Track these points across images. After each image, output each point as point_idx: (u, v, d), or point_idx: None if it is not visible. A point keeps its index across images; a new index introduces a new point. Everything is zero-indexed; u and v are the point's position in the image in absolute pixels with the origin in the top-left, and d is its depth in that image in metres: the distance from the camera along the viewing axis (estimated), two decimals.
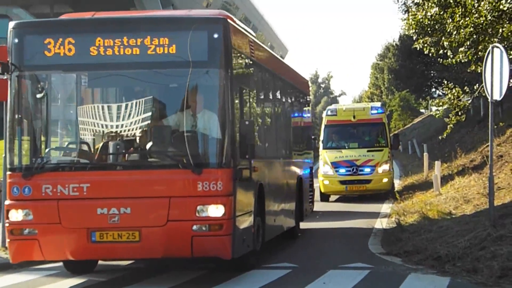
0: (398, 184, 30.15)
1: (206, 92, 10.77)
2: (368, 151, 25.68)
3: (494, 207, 14.30)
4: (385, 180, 25.29)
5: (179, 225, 10.28)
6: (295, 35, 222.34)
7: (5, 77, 10.72)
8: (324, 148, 26.30)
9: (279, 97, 15.64)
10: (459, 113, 23.57)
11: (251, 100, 12.52)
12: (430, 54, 22.97)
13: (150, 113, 11.19)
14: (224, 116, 10.46)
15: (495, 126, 26.00)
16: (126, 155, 10.86)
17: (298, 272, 12.26)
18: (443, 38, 20.91)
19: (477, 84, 22.58)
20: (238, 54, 11.38)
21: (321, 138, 26.60)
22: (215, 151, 10.48)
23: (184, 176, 10.35)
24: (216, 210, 10.32)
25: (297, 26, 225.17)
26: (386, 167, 25.35)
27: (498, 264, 11.28)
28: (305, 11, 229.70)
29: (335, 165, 25.40)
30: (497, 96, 14.03)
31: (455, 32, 20.11)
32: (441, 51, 21.74)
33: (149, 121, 11.14)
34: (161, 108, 11.36)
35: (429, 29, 21.45)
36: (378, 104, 29.88)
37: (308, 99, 19.71)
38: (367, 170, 25.17)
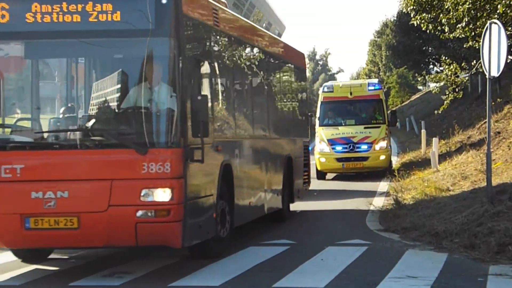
0: (396, 161, 30.18)
1: (153, 64, 9.71)
2: (365, 128, 25.22)
3: (492, 183, 14.33)
4: (382, 157, 24.88)
5: (121, 211, 9.35)
6: (292, 12, 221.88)
7: None
8: (320, 125, 25.79)
9: (257, 70, 14.40)
10: (456, 90, 23.58)
11: (215, 74, 11.43)
12: (428, 31, 22.93)
13: (91, 87, 10.43)
14: (174, 90, 9.54)
15: (493, 103, 25.93)
16: (66, 133, 9.84)
17: (296, 248, 12.30)
18: (441, 15, 20.86)
19: (475, 61, 22.54)
20: (195, 23, 10.51)
21: (317, 115, 26.08)
22: (163, 129, 9.50)
23: (127, 156, 9.39)
24: (163, 194, 9.38)
25: (295, 2, 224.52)
26: (383, 144, 24.97)
27: (495, 240, 11.32)
28: None
29: (332, 142, 24.96)
30: (494, 73, 14.00)
31: (453, 9, 20.05)
32: (439, 28, 21.69)
33: (90, 96, 10.31)
34: (104, 82, 10.30)
35: (427, 6, 21.40)
36: (375, 80, 29.07)
37: (303, 74, 18.76)
38: (364, 147, 24.76)
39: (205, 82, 10.93)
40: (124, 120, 9.73)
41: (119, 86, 10.05)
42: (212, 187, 10.84)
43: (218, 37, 11.87)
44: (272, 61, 15.69)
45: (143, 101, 9.57)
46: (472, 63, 23.85)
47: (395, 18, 54.20)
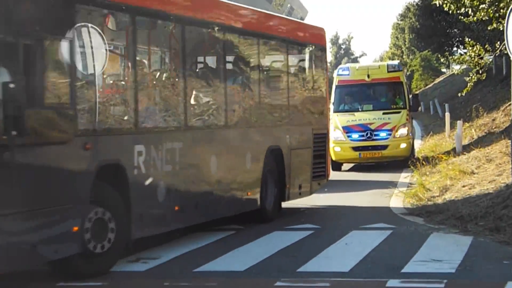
0: (420, 144, 30.04)
1: None
2: (384, 113, 23.13)
3: None
4: (403, 145, 22.79)
5: None
6: None
7: None
8: (335, 111, 23.50)
9: (203, 47, 12.45)
10: (480, 72, 23.37)
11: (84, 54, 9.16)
12: (450, 12, 22.74)
13: None
14: None
15: None
16: None
17: (321, 233, 12.33)
18: None
19: (499, 42, 22.35)
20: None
21: (332, 100, 23.54)
22: None
23: None
24: None
25: None
26: (404, 131, 22.90)
27: None
28: None
29: (347, 129, 22.87)
30: None
31: None
32: (462, 9, 21.52)
33: None
34: None
35: None
36: (396, 62, 27.37)
37: (316, 53, 16.06)
38: (383, 134, 22.71)
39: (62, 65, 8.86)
40: None
41: None
42: (72, 197, 8.82)
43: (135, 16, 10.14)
44: (242, 37, 13.27)
45: None
46: (496, 45, 23.62)
47: (417, 2, 53.85)
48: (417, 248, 10.50)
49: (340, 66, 25.75)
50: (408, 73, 76.42)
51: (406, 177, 20.65)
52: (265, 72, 14.15)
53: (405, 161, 22.29)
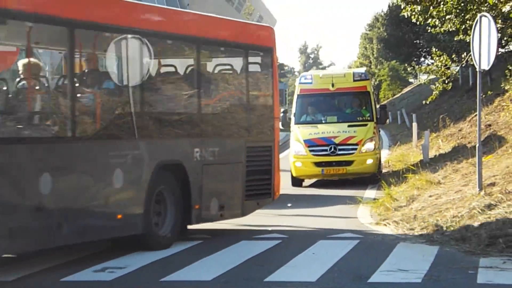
0: (387, 154, 30.19)
1: None
2: (349, 126, 21.44)
3: (482, 176, 14.38)
4: (369, 161, 21.09)
5: None
6: (284, 5, 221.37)
7: None
8: (296, 123, 21.84)
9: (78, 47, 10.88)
10: (446, 81, 23.58)
11: None
12: (418, 23, 22.95)
13: None
14: None
15: (484, 95, 26.06)
16: None
17: (288, 242, 12.33)
18: (431, 8, 20.89)
19: (465, 53, 22.59)
20: None
21: (293, 110, 22.17)
22: None
23: None
24: None
25: None
26: (370, 145, 21.19)
27: (486, 232, 11.37)
28: None
29: (309, 143, 21.14)
30: (485, 66, 14.06)
31: (442, 1, 20.09)
32: (429, 20, 21.72)
33: None
34: None
35: None
36: (362, 69, 25.62)
37: (260, 55, 14.12)
38: (348, 149, 21.04)
39: None
40: None
41: None
42: None
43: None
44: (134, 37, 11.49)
45: None
46: (463, 56, 23.85)
47: (386, 11, 54.29)
48: (384, 258, 10.54)
49: (302, 74, 24.02)
50: (376, 83, 76.95)
51: (372, 191, 19.91)
52: (156, 77, 12.26)
53: (372, 178, 21.19)
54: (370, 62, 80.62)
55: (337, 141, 21.05)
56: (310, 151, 21.08)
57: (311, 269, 9.94)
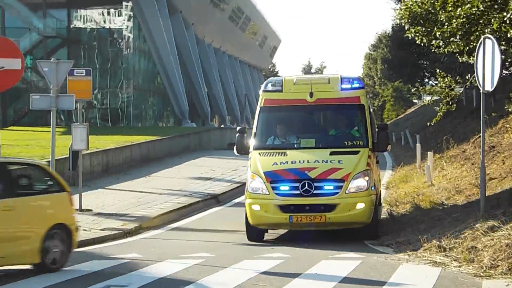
0: (390, 174, 30.10)
1: None
2: (332, 153, 14.92)
3: (486, 198, 14.36)
4: (360, 206, 14.51)
5: None
6: (288, 25, 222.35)
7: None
8: (256, 148, 15.38)
9: None
10: (450, 103, 23.62)
11: None
12: (422, 44, 23.02)
13: None
14: None
15: (487, 117, 25.97)
16: None
17: (291, 262, 12.32)
18: (435, 29, 20.95)
19: (469, 75, 22.63)
20: None
21: (253, 130, 15.76)
22: None
23: None
24: None
25: (290, 15, 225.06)
26: (362, 182, 14.64)
27: (489, 254, 11.35)
28: (298, 0, 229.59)
29: (272, 177, 14.63)
30: (488, 87, 14.09)
31: (447, 23, 20.15)
32: (433, 41, 21.79)
33: None
34: None
35: (421, 19, 21.49)
36: (353, 75, 16.94)
37: None
38: (329, 187, 14.51)
39: None
40: None
41: None
42: None
43: None
44: None
45: None
46: (467, 77, 23.90)
47: (389, 33, 54.46)
48: (386, 279, 10.53)
49: (269, 79, 16.74)
50: (380, 103, 77.03)
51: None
52: None
53: (364, 230, 14.87)
54: (374, 83, 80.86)
55: (313, 175, 14.54)
56: (273, 188, 14.58)
57: None
